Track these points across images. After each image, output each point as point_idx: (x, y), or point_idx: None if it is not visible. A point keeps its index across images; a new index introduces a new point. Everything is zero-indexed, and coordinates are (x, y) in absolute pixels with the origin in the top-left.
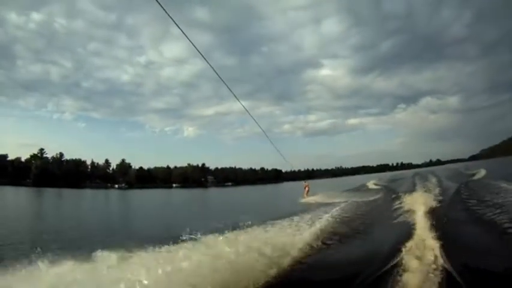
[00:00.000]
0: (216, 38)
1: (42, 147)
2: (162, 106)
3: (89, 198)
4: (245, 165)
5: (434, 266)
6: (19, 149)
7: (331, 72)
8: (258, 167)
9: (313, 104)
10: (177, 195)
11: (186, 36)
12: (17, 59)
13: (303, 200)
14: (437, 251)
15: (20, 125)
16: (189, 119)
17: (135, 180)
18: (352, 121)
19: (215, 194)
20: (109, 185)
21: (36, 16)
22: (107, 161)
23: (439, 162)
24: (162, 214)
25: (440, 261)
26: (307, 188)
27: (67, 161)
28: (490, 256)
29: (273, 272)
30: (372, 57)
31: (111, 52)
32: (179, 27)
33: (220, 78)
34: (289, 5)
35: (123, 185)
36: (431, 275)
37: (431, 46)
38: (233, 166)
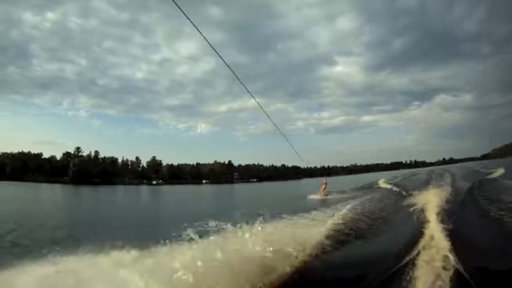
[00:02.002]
0: (229, 36)
1: (58, 144)
2: (176, 103)
3: (142, 193)
4: (260, 161)
5: (445, 266)
6: (34, 146)
7: (345, 69)
8: (271, 164)
9: (326, 100)
10: (212, 190)
11: (202, 35)
12: (32, 58)
13: (318, 197)
14: (449, 251)
15: (35, 122)
16: (202, 116)
17: (167, 177)
18: (366, 118)
19: (244, 189)
20: (144, 181)
21: (51, 15)
22: (137, 158)
23: (452, 161)
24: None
25: (452, 261)
26: (324, 185)
27: (103, 158)
28: (503, 259)
29: (284, 267)
30: (385, 54)
31: (126, 50)
32: (194, 25)
33: (235, 74)
34: (304, 2)
35: (160, 181)
36: (443, 275)
37: (444, 43)
38: (255, 163)
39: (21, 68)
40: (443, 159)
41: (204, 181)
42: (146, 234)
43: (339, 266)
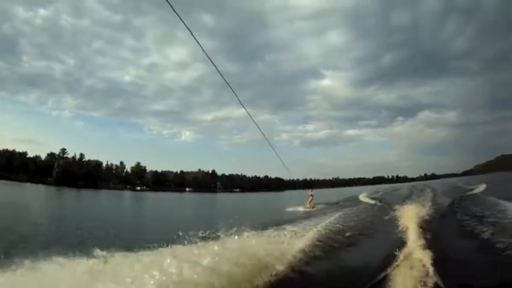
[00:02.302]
0: (219, 44)
1: (40, 143)
2: (162, 109)
3: (127, 199)
4: (243, 172)
5: (424, 280)
6: (15, 144)
7: (332, 83)
8: (254, 174)
9: (312, 113)
10: (196, 198)
11: (197, 41)
12: (21, 54)
13: (303, 209)
14: (428, 265)
15: (18, 120)
16: (187, 123)
17: (150, 183)
18: (350, 132)
19: (227, 199)
20: (128, 186)
21: (43, 12)
22: (121, 163)
23: (434, 177)
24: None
25: (431, 275)
26: (311, 197)
27: (87, 161)
28: (481, 274)
29: (261, 280)
30: (374, 69)
31: (115, 52)
32: (190, 31)
33: (227, 83)
34: (297, 14)
35: (144, 187)
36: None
37: (433, 61)
38: (238, 173)
39: (9, 63)
40: (425, 174)
41: (187, 189)
42: (128, 240)
43: (318, 278)
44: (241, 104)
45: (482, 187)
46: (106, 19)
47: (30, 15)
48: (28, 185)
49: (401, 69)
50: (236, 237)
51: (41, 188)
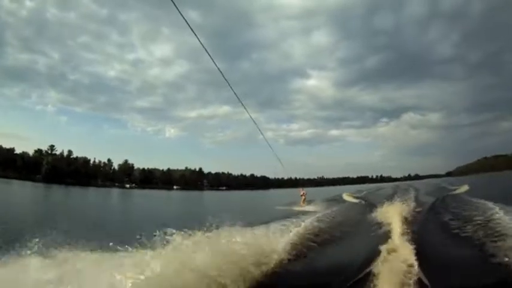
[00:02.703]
0: (206, 41)
1: (23, 138)
2: (146, 105)
3: (118, 196)
4: (228, 170)
5: (408, 275)
6: None
7: (317, 82)
8: (240, 172)
9: (297, 113)
10: (184, 196)
11: (196, 35)
12: (6, 46)
13: (299, 208)
14: (412, 261)
15: (1, 114)
16: (171, 121)
17: (138, 181)
18: (334, 132)
19: (214, 197)
20: (117, 184)
21: (28, 3)
22: (109, 160)
23: (417, 177)
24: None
25: (414, 270)
26: (303, 196)
27: (75, 158)
28: (463, 271)
29: (249, 276)
30: (358, 70)
31: (101, 47)
32: (189, 25)
33: (227, 81)
34: (283, 14)
35: (133, 184)
36: (405, 283)
37: (417, 64)
38: (224, 171)
39: None
40: (409, 175)
41: (175, 187)
42: (114, 236)
43: (302, 275)
44: (240, 102)
45: (465, 188)
46: (93, 13)
47: (15, 7)
48: (16, 181)
49: (385, 72)
50: (224, 234)
51: (28, 185)
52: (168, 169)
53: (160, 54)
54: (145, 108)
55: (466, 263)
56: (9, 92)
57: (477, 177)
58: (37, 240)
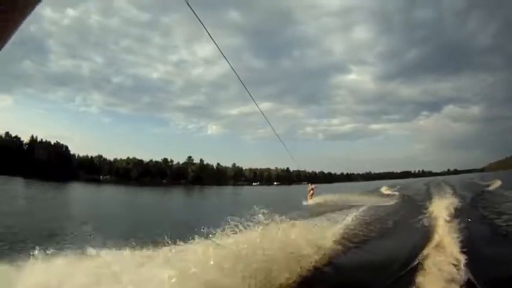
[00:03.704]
0: (246, 40)
1: (64, 138)
2: (189, 104)
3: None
4: (264, 164)
5: (453, 273)
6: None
7: (358, 77)
8: (277, 167)
9: (337, 107)
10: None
11: (212, 39)
12: (49, 54)
13: (307, 203)
14: (458, 258)
15: (47, 117)
16: (213, 118)
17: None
18: (374, 126)
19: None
20: (239, 182)
21: (71, 12)
22: (218, 164)
23: (456, 172)
24: None
25: (460, 268)
26: (311, 191)
27: (206, 165)
28: (507, 264)
29: (291, 273)
30: (398, 64)
31: (144, 50)
32: (206, 30)
33: (240, 79)
34: (323, 11)
35: (245, 182)
36: (452, 281)
37: (457, 55)
38: (259, 167)
39: (36, 62)
40: (448, 170)
41: (275, 183)
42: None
43: (343, 272)
44: (254, 101)
45: (497, 183)
46: (135, 18)
47: (58, 16)
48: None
49: (425, 64)
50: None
51: (180, 188)
52: (269, 169)
53: (203, 54)
54: (188, 106)
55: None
56: (54, 97)
57: (505, 173)
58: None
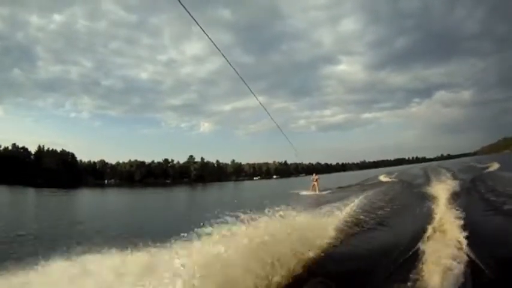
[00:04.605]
0: (236, 36)
1: (57, 144)
2: (180, 103)
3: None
4: (260, 158)
5: (456, 255)
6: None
7: (347, 67)
8: (275, 160)
9: (329, 98)
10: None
11: (208, 37)
12: (37, 60)
13: (308, 193)
14: (460, 240)
15: (37, 124)
16: (205, 115)
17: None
18: (367, 115)
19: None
20: (240, 178)
21: (57, 18)
22: (217, 161)
23: (449, 157)
24: None
25: (463, 249)
26: (315, 182)
27: (206, 162)
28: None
29: (294, 262)
30: (387, 53)
31: (132, 51)
32: (201, 27)
33: (239, 75)
34: (311, 4)
35: (246, 177)
36: (455, 263)
37: (445, 42)
38: (255, 162)
39: (25, 70)
40: (442, 155)
41: (274, 176)
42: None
43: (348, 258)
44: (254, 95)
45: (496, 165)
46: (122, 19)
47: (44, 22)
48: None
49: (415, 51)
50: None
51: (184, 186)
52: (267, 163)
53: (192, 52)
54: (179, 105)
55: None
56: (43, 103)
57: (498, 155)
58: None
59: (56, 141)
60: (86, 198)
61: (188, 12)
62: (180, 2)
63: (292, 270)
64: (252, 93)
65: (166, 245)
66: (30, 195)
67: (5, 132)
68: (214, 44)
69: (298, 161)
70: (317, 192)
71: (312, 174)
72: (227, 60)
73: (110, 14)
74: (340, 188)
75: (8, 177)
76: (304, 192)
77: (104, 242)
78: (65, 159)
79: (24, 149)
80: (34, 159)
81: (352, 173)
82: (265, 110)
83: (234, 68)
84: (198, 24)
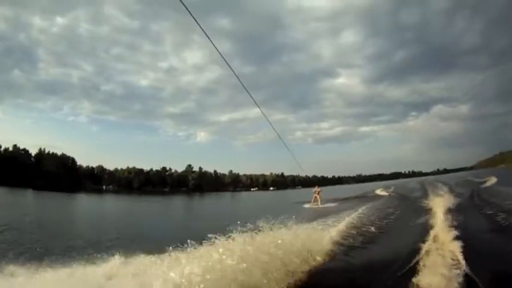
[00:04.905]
0: (235, 46)
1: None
2: (178, 111)
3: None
4: (257, 169)
5: (453, 270)
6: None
7: (346, 80)
8: (272, 172)
9: (327, 111)
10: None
11: (214, 45)
12: (38, 62)
13: (310, 206)
14: (456, 255)
15: (36, 126)
16: (203, 125)
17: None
18: (364, 129)
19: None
20: (238, 189)
21: (60, 20)
22: (215, 171)
23: (446, 171)
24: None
25: (460, 265)
26: (317, 195)
27: (205, 172)
28: (508, 259)
29: (293, 276)
30: (386, 66)
31: (134, 57)
32: (206, 35)
33: (242, 84)
34: (311, 16)
35: (243, 188)
36: (452, 277)
37: (444, 55)
38: (252, 173)
39: (25, 71)
40: (438, 169)
41: (271, 188)
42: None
43: (345, 273)
44: (257, 105)
45: (493, 179)
46: (125, 26)
47: (47, 24)
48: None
49: (413, 65)
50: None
51: (181, 195)
52: (263, 174)
53: (193, 61)
54: (177, 113)
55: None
56: (43, 106)
57: (494, 169)
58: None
59: (54, 144)
60: (92, 204)
61: (193, 17)
62: (182, 3)
63: (289, 285)
64: (257, 105)
65: (164, 254)
66: (36, 198)
67: (3, 133)
68: (218, 51)
69: (303, 174)
70: (319, 205)
71: (314, 187)
72: (231, 68)
73: (112, 20)
74: (340, 200)
75: (8, 179)
76: (306, 205)
77: (103, 249)
78: (65, 163)
79: (25, 151)
80: (34, 161)
81: (348, 186)
82: (269, 122)
83: (237, 77)
84: (203, 30)
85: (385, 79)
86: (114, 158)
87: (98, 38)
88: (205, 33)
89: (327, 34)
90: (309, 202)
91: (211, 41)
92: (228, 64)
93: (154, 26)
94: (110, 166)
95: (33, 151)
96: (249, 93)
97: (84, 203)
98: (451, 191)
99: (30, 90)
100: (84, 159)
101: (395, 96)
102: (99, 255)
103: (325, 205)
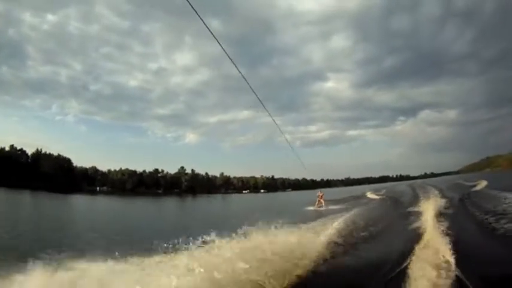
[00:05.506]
0: (227, 49)
1: (42, 147)
2: (167, 112)
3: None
4: (244, 172)
5: (443, 273)
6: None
7: (335, 84)
8: (256, 174)
9: (315, 115)
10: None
11: (219, 44)
12: (27, 60)
13: (312, 208)
14: (447, 258)
15: (21, 125)
16: (192, 127)
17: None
18: (352, 132)
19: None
20: (229, 191)
21: (51, 18)
22: (206, 173)
23: (433, 175)
24: None
25: (450, 267)
26: (320, 199)
27: (197, 174)
28: (502, 265)
29: (283, 280)
30: (376, 71)
31: (123, 57)
32: (214, 36)
33: (249, 85)
34: (302, 20)
35: (234, 190)
36: (441, 280)
37: (433, 62)
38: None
39: (14, 68)
40: (425, 173)
41: (261, 190)
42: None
43: (336, 276)
44: (263, 106)
45: (483, 183)
46: (115, 25)
47: (37, 21)
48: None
49: (402, 71)
50: (261, 235)
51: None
52: (254, 177)
53: (183, 62)
54: (166, 115)
55: (503, 257)
56: (30, 104)
57: (482, 173)
58: None
59: (42, 144)
60: (92, 204)
61: (200, 18)
62: (189, 3)
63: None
64: (266, 109)
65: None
66: (35, 199)
67: None
68: (225, 52)
69: (306, 175)
70: (323, 208)
71: (318, 191)
72: (238, 69)
73: (103, 19)
74: (342, 204)
75: (4, 179)
76: (310, 208)
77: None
78: (62, 164)
79: (22, 151)
80: (31, 162)
81: (337, 189)
82: (280, 129)
83: (245, 79)
84: (210, 30)
85: (374, 84)
86: (103, 158)
87: (87, 36)
88: (213, 34)
89: (317, 38)
90: (308, 205)
91: (218, 42)
92: (235, 65)
93: (145, 26)
94: (99, 167)
95: (30, 151)
96: (256, 95)
97: (84, 203)
98: (442, 194)
99: (18, 88)
100: (74, 160)
101: (384, 101)
102: (91, 256)
103: (327, 208)
